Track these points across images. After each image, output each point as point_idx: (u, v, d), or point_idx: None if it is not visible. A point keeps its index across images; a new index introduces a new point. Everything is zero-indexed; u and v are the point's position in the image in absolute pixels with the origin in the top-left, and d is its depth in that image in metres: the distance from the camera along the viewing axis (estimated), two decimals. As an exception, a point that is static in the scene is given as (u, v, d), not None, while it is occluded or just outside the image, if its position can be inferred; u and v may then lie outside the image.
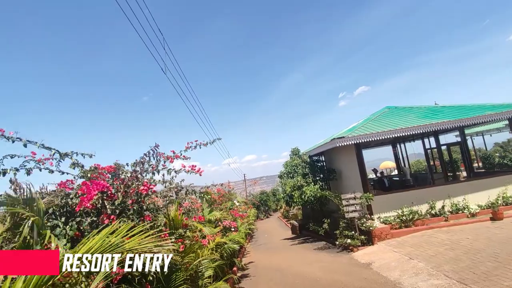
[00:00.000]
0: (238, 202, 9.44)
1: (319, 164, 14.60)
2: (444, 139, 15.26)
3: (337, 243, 9.21)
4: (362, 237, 8.57)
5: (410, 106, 12.27)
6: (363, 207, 8.99)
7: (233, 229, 7.10)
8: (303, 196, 11.56)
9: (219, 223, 6.82)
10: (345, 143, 9.25)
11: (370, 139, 9.30)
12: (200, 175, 3.99)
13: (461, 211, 9.25)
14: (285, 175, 14.67)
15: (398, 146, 17.92)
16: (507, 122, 19.96)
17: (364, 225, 8.57)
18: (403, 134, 9.35)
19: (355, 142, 9.29)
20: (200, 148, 4.13)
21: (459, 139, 13.73)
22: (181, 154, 4.03)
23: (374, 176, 14.51)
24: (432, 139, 14.71)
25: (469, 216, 9.08)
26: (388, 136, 9.34)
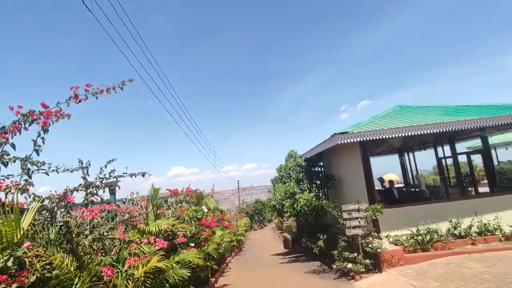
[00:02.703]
0: (209, 208, 7.50)
1: (317, 169, 12.72)
2: (459, 149, 13.44)
3: (334, 266, 7.26)
4: (367, 261, 6.64)
5: (425, 106, 10.50)
6: (369, 223, 7.09)
7: (192, 245, 5.19)
8: (295, 205, 9.66)
9: (176, 237, 4.94)
10: (348, 140, 7.42)
11: (379, 137, 7.47)
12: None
13: (491, 233, 7.35)
14: (277, 180, 12.80)
15: (405, 155, 16.07)
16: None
17: (370, 245, 6.65)
18: (418, 132, 7.52)
19: (361, 139, 7.46)
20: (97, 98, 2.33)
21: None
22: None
23: (381, 187, 12.58)
24: (446, 148, 12.91)
25: (502, 239, 7.18)
26: (401, 135, 7.51)
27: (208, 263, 6.06)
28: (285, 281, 7.94)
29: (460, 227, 7.41)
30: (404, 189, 12.18)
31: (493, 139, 14.90)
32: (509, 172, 15.44)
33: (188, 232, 5.56)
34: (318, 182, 11.79)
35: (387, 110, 10.43)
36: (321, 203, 8.24)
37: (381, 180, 12.37)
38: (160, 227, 4.43)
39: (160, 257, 3.81)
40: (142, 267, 3.28)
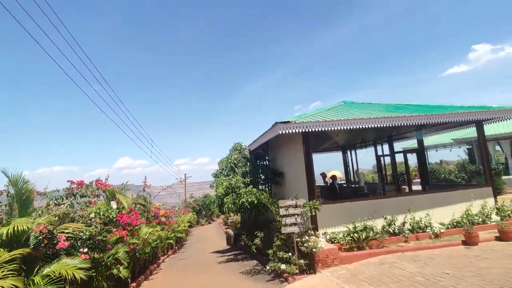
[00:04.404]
0: (119, 203, 6.27)
1: (263, 163, 12.08)
2: (397, 149, 13.99)
3: (267, 268, 6.61)
4: (302, 261, 6.09)
5: (368, 102, 10.49)
6: (306, 220, 6.56)
7: (84, 251, 4.00)
8: (237, 201, 8.83)
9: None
10: (291, 130, 6.80)
11: (323, 128, 6.99)
12: None
13: (422, 230, 7.39)
14: (219, 174, 11.86)
15: (348, 152, 16.38)
16: (452, 140, 20.05)
17: (305, 244, 6.11)
18: (362, 126, 7.22)
19: (304, 130, 6.89)
20: None
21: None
22: None
23: (323, 183, 12.42)
24: (385, 146, 13.29)
25: (432, 236, 7.24)
26: (344, 127, 7.13)
27: (112, 271, 4.88)
28: (216, 284, 7.11)
29: (394, 224, 7.32)
30: (345, 185, 12.20)
31: (425, 142, 15.93)
32: (438, 172, 16.65)
33: (84, 234, 4.35)
34: (263, 177, 11.16)
35: (332, 104, 10.17)
36: (259, 197, 7.54)
37: (324, 175, 12.22)
38: (19, 228, 3.17)
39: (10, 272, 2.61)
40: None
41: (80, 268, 3.52)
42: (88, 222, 4.75)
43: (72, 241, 4.21)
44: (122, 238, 6.23)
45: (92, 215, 5.21)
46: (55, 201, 5.02)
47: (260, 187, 11.04)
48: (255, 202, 7.74)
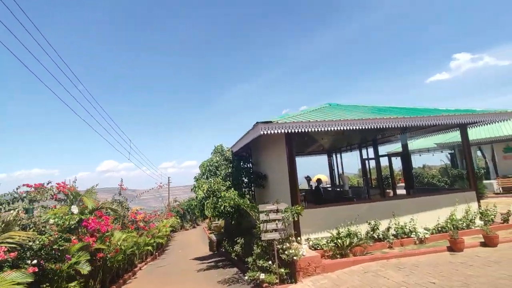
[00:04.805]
0: (84, 208, 5.73)
1: (247, 165, 11.69)
2: (382, 153, 13.92)
3: (245, 277, 6.20)
4: (282, 270, 5.71)
5: (354, 104, 10.32)
6: (287, 225, 6.20)
7: (29, 265, 3.48)
8: (218, 205, 8.39)
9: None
10: (273, 131, 6.45)
11: (307, 129, 6.68)
12: None
13: (407, 236, 7.18)
14: (201, 177, 11.38)
15: (334, 155, 16.24)
16: (435, 144, 20.31)
17: (286, 252, 5.75)
18: (347, 127, 6.96)
19: (286, 130, 6.56)
20: None
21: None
22: None
23: (307, 186, 12.14)
24: (370, 150, 13.19)
25: (417, 242, 7.04)
26: (329, 128, 6.84)
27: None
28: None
29: (378, 229, 7.08)
30: (329, 189, 11.96)
31: (409, 145, 16.02)
32: (422, 176, 16.75)
33: (35, 243, 3.83)
34: (246, 180, 10.76)
35: (317, 106, 9.94)
36: (239, 202, 7.14)
37: (308, 179, 11.95)
38: None
39: None
40: None
41: (19, 283, 3.01)
42: (41, 230, 4.21)
43: (20, 251, 3.69)
44: (88, 246, 5.70)
45: (52, 221, 4.67)
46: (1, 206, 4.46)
47: (244, 190, 10.64)
48: (235, 206, 7.35)
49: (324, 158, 16.88)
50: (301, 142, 11.61)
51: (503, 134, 15.88)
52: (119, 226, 10.14)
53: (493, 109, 8.15)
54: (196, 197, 10.27)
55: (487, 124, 8.64)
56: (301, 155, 17.17)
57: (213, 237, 14.65)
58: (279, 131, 6.60)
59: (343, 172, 12.86)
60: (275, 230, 5.95)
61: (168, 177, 32.09)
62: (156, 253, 14.92)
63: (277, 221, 5.98)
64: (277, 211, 6.06)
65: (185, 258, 13.18)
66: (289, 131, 6.68)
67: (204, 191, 9.24)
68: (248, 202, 7.16)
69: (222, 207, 7.71)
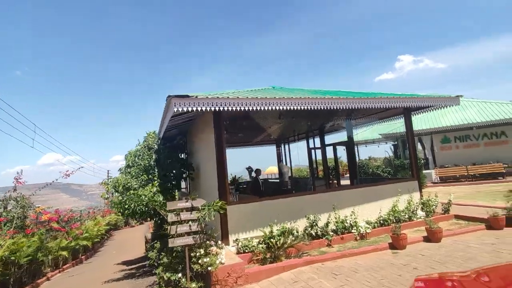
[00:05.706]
0: None
1: (181, 155, 10.14)
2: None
3: (150, 295, 4.84)
4: (194, 285, 4.45)
5: (300, 88, 9.40)
6: (205, 226, 4.92)
7: None
8: (127, 205, 6.81)
9: None
10: (193, 108, 5.05)
11: (241, 107, 5.42)
12: None
13: (347, 231, 6.40)
14: (126, 170, 9.60)
15: (282, 146, 15.41)
16: (380, 135, 20.72)
17: (199, 261, 4.49)
18: (290, 107, 5.86)
19: (215, 108, 5.23)
20: None
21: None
22: None
23: (249, 178, 11.04)
24: (317, 140, 12.54)
25: (357, 238, 6.30)
26: (269, 108, 5.67)
27: None
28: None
29: (317, 225, 6.18)
30: (270, 181, 11.02)
31: (355, 137, 15.87)
32: (367, 166, 16.79)
33: None
34: (174, 172, 9.25)
35: (259, 87, 8.79)
36: (150, 200, 5.69)
37: (250, 170, 10.86)
38: None
39: None
40: None
41: None
42: None
43: None
44: None
45: None
46: None
47: (174, 184, 9.15)
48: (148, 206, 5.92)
49: (273, 148, 16.01)
50: (244, 128, 10.43)
51: (441, 125, 16.48)
52: (12, 231, 8.16)
53: (437, 94, 7.77)
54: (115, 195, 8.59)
55: (431, 110, 8.29)
56: (248, 145, 16.09)
57: (148, 236, 13.06)
58: (203, 109, 5.25)
59: (281, 161, 12.00)
60: (188, 233, 4.66)
61: (108, 171, 28.96)
62: (83, 257, 12.85)
63: (191, 222, 4.68)
64: (191, 209, 4.75)
65: (112, 262, 11.42)
66: (217, 108, 5.36)
67: (120, 188, 7.62)
68: (162, 199, 5.74)
69: (132, 206, 6.21)
